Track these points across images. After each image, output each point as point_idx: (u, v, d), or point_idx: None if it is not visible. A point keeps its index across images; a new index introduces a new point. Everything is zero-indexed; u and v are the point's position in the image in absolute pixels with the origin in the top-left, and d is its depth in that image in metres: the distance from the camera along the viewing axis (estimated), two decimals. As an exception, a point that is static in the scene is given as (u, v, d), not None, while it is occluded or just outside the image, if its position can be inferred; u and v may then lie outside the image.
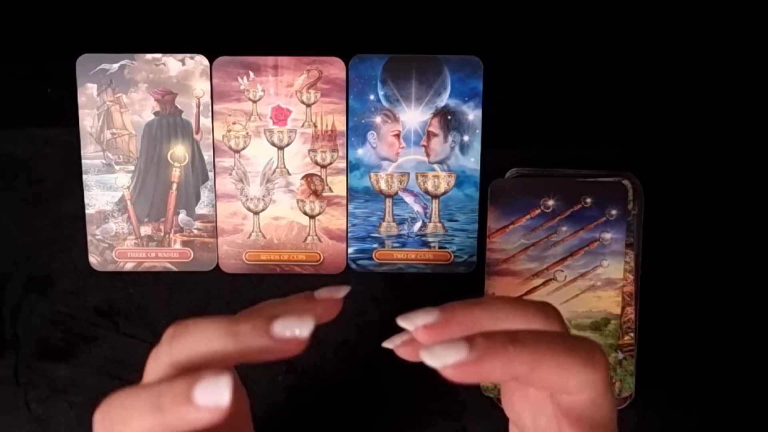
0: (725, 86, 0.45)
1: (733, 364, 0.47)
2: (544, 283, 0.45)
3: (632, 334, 0.45)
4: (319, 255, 0.46)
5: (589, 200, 0.44)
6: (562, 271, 0.45)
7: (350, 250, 0.46)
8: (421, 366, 0.47)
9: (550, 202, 0.45)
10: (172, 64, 0.45)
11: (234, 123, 0.45)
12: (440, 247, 0.46)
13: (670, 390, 0.47)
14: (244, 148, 0.45)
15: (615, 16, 0.45)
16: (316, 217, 0.46)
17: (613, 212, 0.44)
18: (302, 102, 0.45)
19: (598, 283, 0.45)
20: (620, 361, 0.45)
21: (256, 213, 0.46)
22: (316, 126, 0.45)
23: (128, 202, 0.46)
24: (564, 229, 0.45)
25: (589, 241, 0.45)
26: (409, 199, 0.46)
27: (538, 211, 0.45)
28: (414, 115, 0.45)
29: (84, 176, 0.45)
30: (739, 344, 0.47)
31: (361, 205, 0.46)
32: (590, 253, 0.45)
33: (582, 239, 0.45)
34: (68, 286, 0.46)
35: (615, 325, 0.45)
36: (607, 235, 0.45)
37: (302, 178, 0.46)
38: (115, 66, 0.45)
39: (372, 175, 0.46)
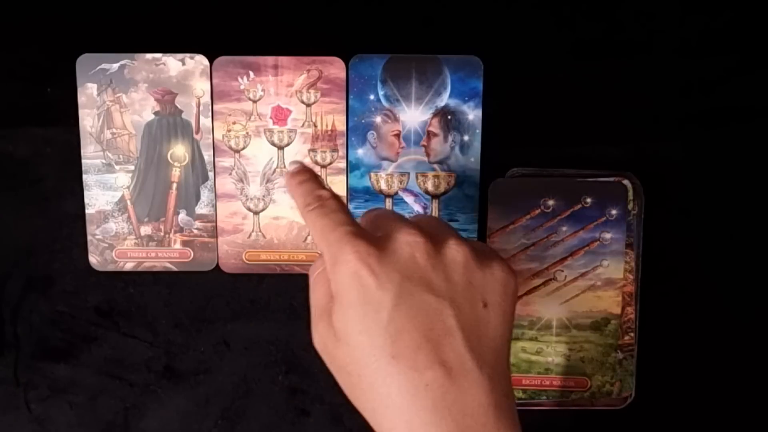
0: (725, 86, 0.45)
1: (733, 364, 0.47)
2: (544, 283, 0.45)
3: (632, 334, 0.45)
4: (319, 255, 0.46)
5: (589, 200, 0.44)
6: (562, 271, 0.45)
7: (350, 250, 0.46)
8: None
9: (550, 202, 0.45)
10: (172, 64, 0.45)
11: (234, 123, 0.45)
12: (440, 247, 0.46)
13: (670, 390, 0.47)
14: (244, 148, 0.45)
15: (615, 15, 0.45)
16: (316, 217, 0.46)
17: (613, 212, 0.44)
18: (302, 102, 0.45)
19: (598, 283, 0.45)
20: (620, 361, 0.45)
21: (256, 213, 0.46)
22: (316, 126, 0.45)
23: (128, 202, 0.46)
24: (564, 229, 0.45)
25: (589, 241, 0.45)
26: (409, 199, 0.46)
27: (538, 211, 0.45)
28: (414, 115, 0.45)
29: (84, 176, 0.45)
30: (739, 344, 0.47)
31: (361, 205, 0.46)
32: (590, 253, 0.45)
33: (582, 239, 0.45)
34: (68, 286, 0.46)
35: (615, 325, 0.45)
36: (607, 235, 0.45)
37: (302, 178, 0.46)
38: (115, 66, 0.45)
39: (372, 175, 0.46)
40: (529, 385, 0.45)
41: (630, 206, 0.45)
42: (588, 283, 0.45)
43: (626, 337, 0.45)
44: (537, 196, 0.45)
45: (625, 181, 0.44)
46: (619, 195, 0.44)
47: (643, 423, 0.46)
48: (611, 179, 0.45)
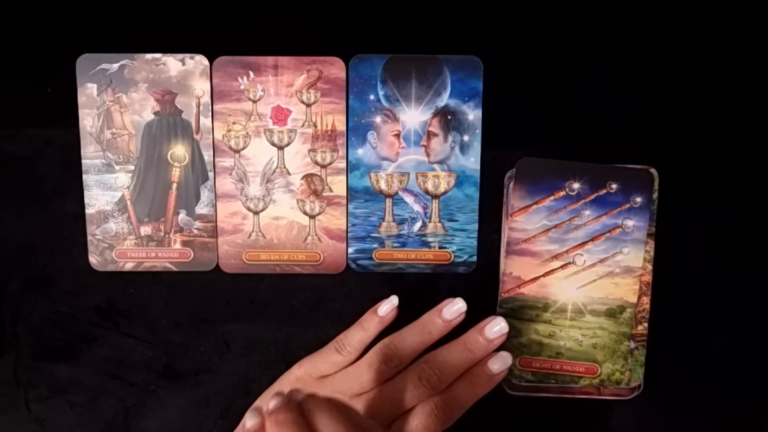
0: (723, 86, 0.45)
1: (738, 364, 0.47)
2: (562, 266, 0.45)
3: (646, 324, 0.45)
4: (319, 255, 0.46)
5: (614, 186, 0.44)
6: (582, 255, 0.45)
7: (350, 250, 0.46)
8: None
9: (576, 185, 0.44)
10: (172, 64, 0.45)
11: (234, 123, 0.45)
12: (440, 247, 0.46)
13: (677, 382, 0.46)
14: (244, 148, 0.45)
15: (615, 15, 0.45)
16: (316, 217, 0.46)
17: (638, 200, 0.44)
18: (302, 102, 0.45)
19: (616, 270, 0.44)
20: (632, 351, 0.45)
21: (256, 213, 0.46)
22: (316, 126, 0.45)
23: (128, 202, 0.46)
24: (587, 212, 0.44)
25: (612, 227, 0.44)
26: (409, 199, 0.46)
27: (562, 193, 0.44)
28: (414, 115, 0.45)
29: (84, 176, 0.45)
30: (747, 346, 0.46)
31: (361, 205, 0.46)
32: (611, 239, 0.44)
33: (604, 225, 0.44)
34: (68, 286, 0.46)
35: (630, 313, 0.45)
36: (630, 223, 0.44)
37: (302, 178, 0.46)
38: (115, 66, 0.45)
39: (372, 175, 0.46)
40: (539, 368, 0.45)
41: (655, 195, 0.44)
42: (606, 270, 0.45)
43: (640, 327, 0.45)
44: (563, 178, 0.44)
45: (652, 170, 0.44)
46: (645, 183, 0.44)
47: (649, 413, 0.46)
48: (638, 166, 0.44)
